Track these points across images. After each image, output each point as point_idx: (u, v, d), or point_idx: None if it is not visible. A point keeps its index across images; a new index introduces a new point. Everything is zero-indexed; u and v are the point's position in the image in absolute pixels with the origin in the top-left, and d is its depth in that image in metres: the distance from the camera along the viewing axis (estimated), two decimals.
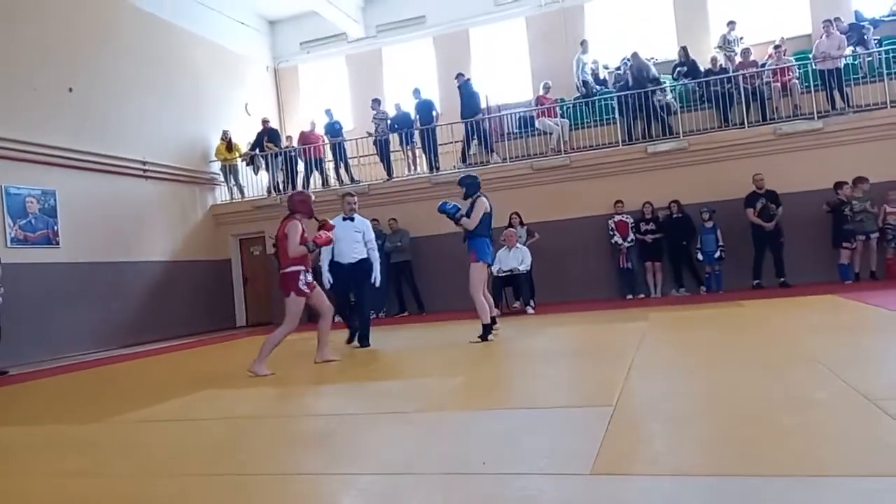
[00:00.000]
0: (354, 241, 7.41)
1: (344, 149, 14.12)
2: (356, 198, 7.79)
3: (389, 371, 6.03)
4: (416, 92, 13.75)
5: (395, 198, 13.20)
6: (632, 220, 11.43)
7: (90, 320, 10.90)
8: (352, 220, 7.45)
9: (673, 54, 13.49)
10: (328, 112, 14.56)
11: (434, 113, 13.52)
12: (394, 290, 12.64)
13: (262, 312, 14.46)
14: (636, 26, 14.95)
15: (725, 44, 13.11)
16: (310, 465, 3.05)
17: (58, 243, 10.61)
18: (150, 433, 4.08)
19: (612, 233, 11.49)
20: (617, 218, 11.47)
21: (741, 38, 13.31)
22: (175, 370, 7.48)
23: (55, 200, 10.60)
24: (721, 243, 10.80)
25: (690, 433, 3.03)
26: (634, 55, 12.69)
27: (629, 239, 11.37)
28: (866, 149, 10.73)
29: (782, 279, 10.60)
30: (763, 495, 2.16)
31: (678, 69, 12.83)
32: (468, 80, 13.40)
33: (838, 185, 10.24)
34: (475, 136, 13.14)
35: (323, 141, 14.20)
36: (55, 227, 10.59)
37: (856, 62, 11.81)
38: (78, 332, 10.59)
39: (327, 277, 7.42)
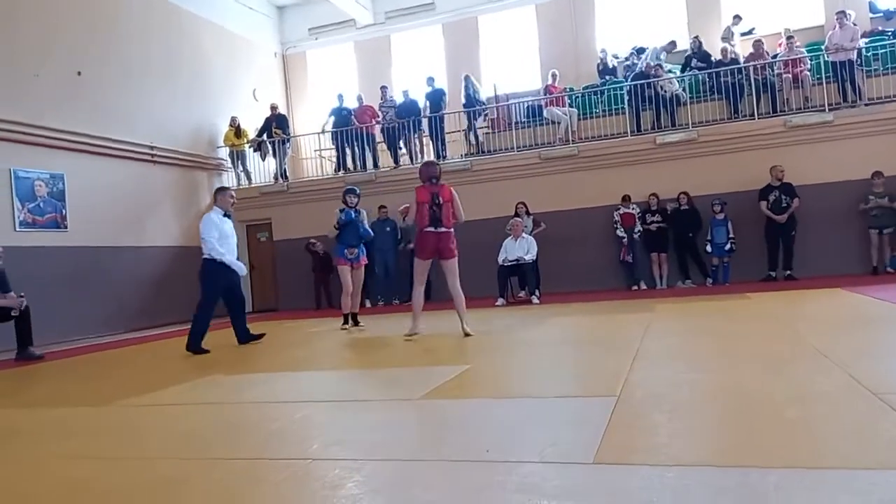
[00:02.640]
0: (235, 237, 7.39)
1: (352, 135, 14.11)
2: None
3: (394, 358, 6.04)
4: (430, 80, 13.71)
5: (401, 186, 13.17)
6: (638, 211, 11.40)
7: (97, 304, 10.97)
8: (229, 216, 7.35)
9: (683, 44, 13.41)
10: (339, 97, 14.51)
11: (443, 101, 13.49)
12: (408, 277, 12.67)
13: (268, 299, 14.53)
14: (646, 15, 14.85)
15: (730, 35, 13.02)
16: (314, 450, 3.07)
17: (66, 227, 10.67)
18: (155, 417, 4.12)
19: (615, 225, 11.45)
20: (623, 210, 11.43)
21: (753, 29, 13.20)
22: (181, 355, 7.53)
23: (63, 184, 10.65)
24: (732, 235, 10.77)
25: (694, 424, 3.03)
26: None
27: (636, 230, 11.34)
28: (878, 142, 10.65)
29: (788, 272, 10.57)
30: (766, 487, 2.16)
31: (692, 59, 12.73)
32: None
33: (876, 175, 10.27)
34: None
35: (374, 116, 14.01)
36: (63, 211, 10.64)
37: (868, 55, 11.68)
38: (85, 316, 10.67)
39: (239, 266, 7.25)
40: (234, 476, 2.75)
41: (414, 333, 6.74)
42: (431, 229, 6.60)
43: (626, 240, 11.36)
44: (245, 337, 7.52)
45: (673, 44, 13.41)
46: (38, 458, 3.28)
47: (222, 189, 7.60)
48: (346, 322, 8.58)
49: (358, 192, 8.54)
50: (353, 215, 8.25)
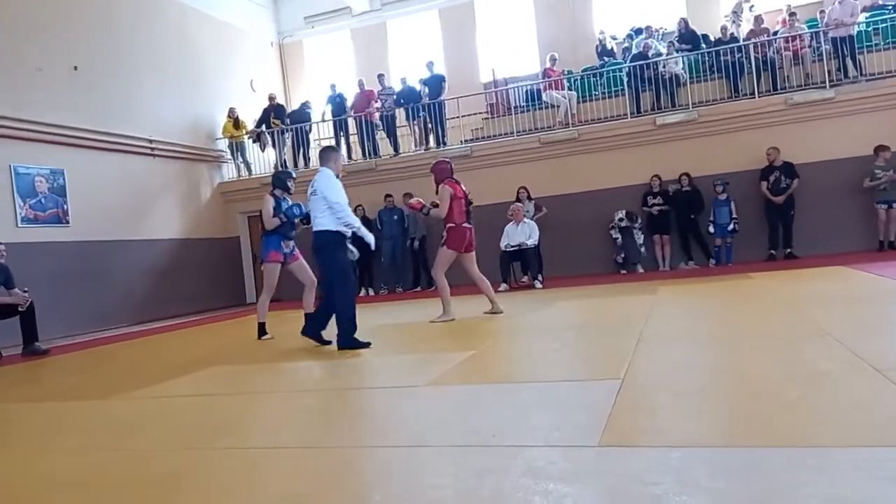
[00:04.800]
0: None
1: (346, 124, 14.06)
2: None
3: (399, 345, 6.06)
4: (430, 65, 13.62)
5: (402, 173, 13.15)
6: (637, 222, 11.33)
7: (100, 298, 11.00)
8: None
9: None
10: (332, 87, 14.47)
11: (443, 84, 13.41)
12: (411, 264, 12.72)
13: None
14: None
15: (740, 11, 12.89)
16: (320, 438, 3.09)
17: (68, 222, 10.67)
18: (161, 409, 4.14)
19: (612, 224, 11.37)
20: (624, 223, 11.29)
21: (752, 7, 13.09)
22: (185, 347, 7.57)
23: (64, 179, 10.64)
24: (735, 216, 10.74)
25: (698, 405, 3.05)
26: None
27: (638, 224, 11.29)
28: (879, 118, 10.58)
29: (789, 250, 10.58)
30: (770, 466, 2.17)
31: (677, 41, 12.60)
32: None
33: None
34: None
35: (376, 99, 13.86)
36: (65, 206, 10.64)
37: (868, 30, 11.58)
38: (88, 310, 10.69)
39: (371, 238, 5.97)
40: (238, 466, 2.77)
41: (451, 318, 6.92)
42: (468, 225, 7.04)
43: (619, 240, 11.36)
44: (317, 333, 5.96)
45: None
46: (45, 452, 3.31)
47: (334, 149, 6.28)
48: (263, 332, 7.15)
49: (295, 176, 7.51)
50: (289, 203, 6.91)
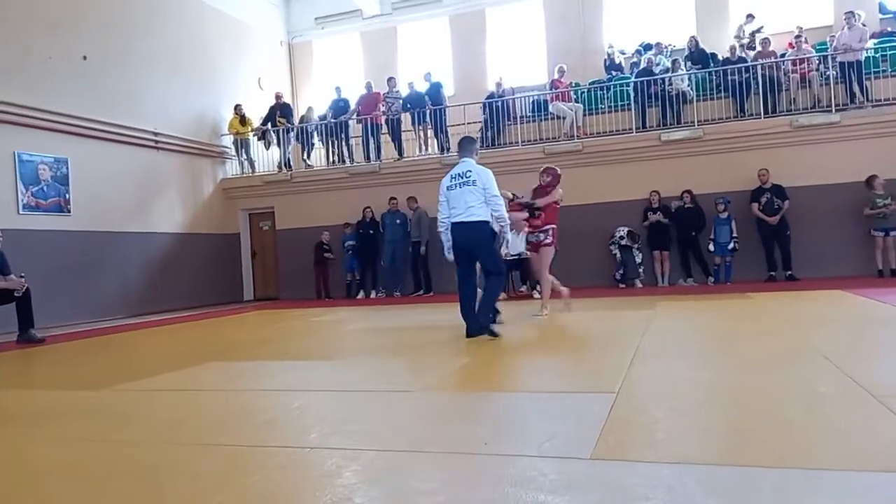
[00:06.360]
0: None
1: (348, 126, 14.08)
2: None
3: (394, 349, 6.05)
4: (428, 76, 13.68)
5: (406, 178, 13.17)
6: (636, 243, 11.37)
7: (100, 289, 10.99)
8: None
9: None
10: (337, 89, 14.51)
11: (442, 93, 13.47)
12: (411, 269, 12.73)
13: (270, 287, 14.55)
14: (654, 11, 14.80)
15: (742, 34, 12.95)
16: (311, 439, 3.07)
17: (69, 211, 10.67)
18: (153, 402, 4.13)
19: (612, 240, 11.39)
20: (624, 242, 11.33)
21: (760, 29, 13.14)
22: (181, 341, 7.55)
23: (67, 168, 10.65)
24: (735, 234, 10.74)
25: (692, 422, 3.04)
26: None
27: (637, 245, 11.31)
28: (884, 144, 10.60)
29: (789, 272, 10.57)
30: (762, 485, 2.16)
31: (687, 59, 12.64)
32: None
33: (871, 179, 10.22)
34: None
35: (382, 101, 13.90)
36: (67, 195, 10.64)
37: (877, 56, 11.62)
38: (86, 301, 10.69)
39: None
40: (230, 462, 2.76)
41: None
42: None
43: (618, 256, 11.36)
44: (482, 325, 5.78)
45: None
46: (36, 441, 3.30)
47: (475, 140, 6.47)
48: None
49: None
50: None
